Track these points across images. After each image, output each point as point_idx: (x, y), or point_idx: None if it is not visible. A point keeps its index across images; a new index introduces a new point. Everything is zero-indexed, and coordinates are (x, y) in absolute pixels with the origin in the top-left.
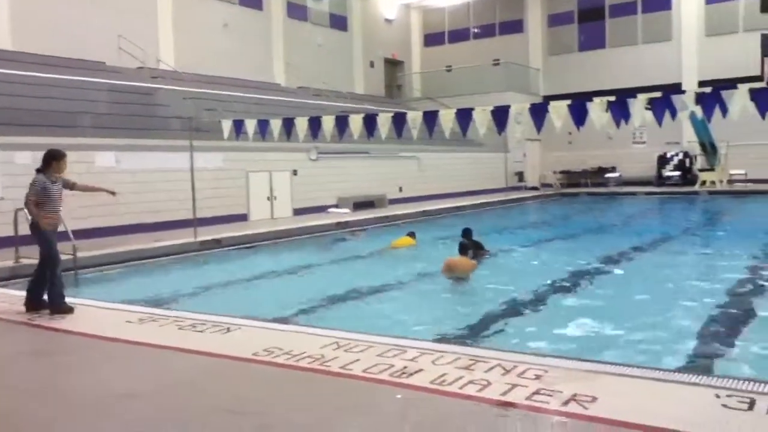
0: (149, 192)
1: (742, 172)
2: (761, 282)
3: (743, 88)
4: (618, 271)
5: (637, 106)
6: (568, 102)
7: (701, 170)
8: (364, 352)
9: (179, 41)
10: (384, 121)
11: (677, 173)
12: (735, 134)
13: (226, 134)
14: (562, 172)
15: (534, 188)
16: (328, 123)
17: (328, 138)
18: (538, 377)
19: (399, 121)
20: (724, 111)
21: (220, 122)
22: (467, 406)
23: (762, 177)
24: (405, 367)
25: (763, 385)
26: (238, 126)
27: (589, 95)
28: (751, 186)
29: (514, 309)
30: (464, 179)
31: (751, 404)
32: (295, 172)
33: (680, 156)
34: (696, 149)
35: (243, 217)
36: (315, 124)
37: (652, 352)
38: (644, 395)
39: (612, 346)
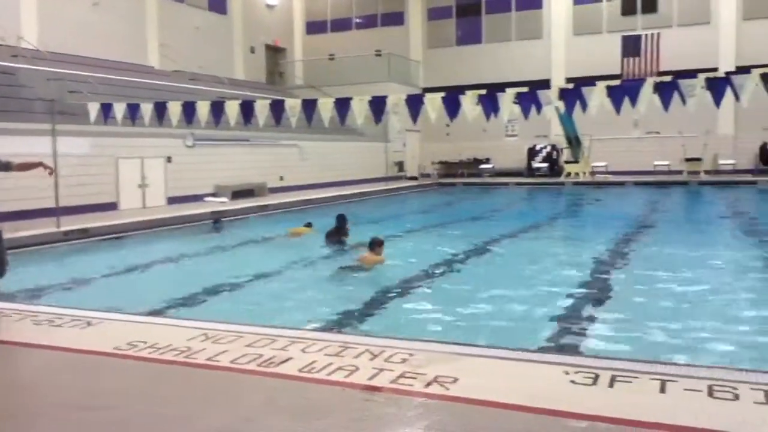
0: (8, 178)
1: (604, 164)
2: (613, 266)
3: (601, 85)
4: (489, 257)
5: (506, 100)
6: (442, 94)
7: (567, 162)
8: (232, 343)
9: (43, 18)
10: (262, 109)
11: (545, 165)
12: (598, 129)
13: (93, 118)
14: (440, 163)
15: (413, 178)
16: (203, 109)
17: (203, 124)
18: (404, 361)
19: (277, 108)
20: (584, 106)
21: (87, 105)
22: (334, 392)
23: (622, 169)
24: (273, 357)
25: (605, 360)
26: (107, 110)
27: (467, 88)
28: (611, 177)
29: (389, 295)
30: (345, 168)
31: (596, 379)
32: (169, 159)
33: (548, 149)
34: (562, 143)
35: (112, 206)
36: (190, 110)
37: (513, 334)
38: (502, 374)
39: (477, 329)
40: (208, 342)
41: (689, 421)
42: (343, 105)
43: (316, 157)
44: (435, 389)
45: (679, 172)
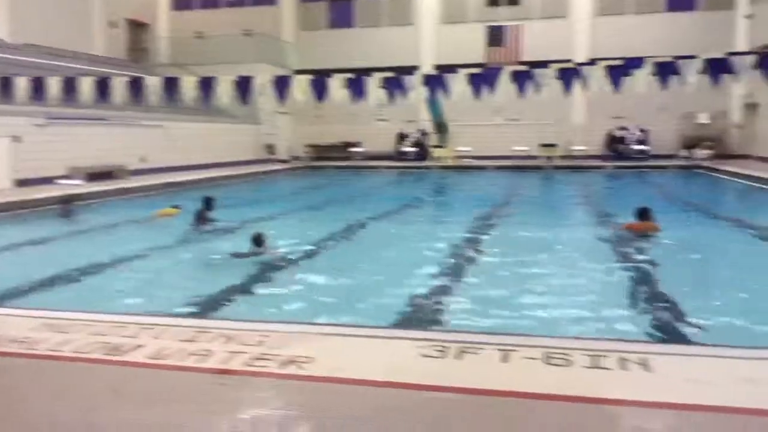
0: None
1: (468, 149)
2: (470, 246)
3: (462, 73)
4: (357, 239)
5: (372, 85)
6: (310, 77)
7: (434, 147)
8: (79, 332)
9: None
10: (120, 86)
11: (414, 149)
12: (463, 115)
13: None
14: (311, 146)
15: (284, 161)
16: (54, 85)
17: (56, 102)
18: (260, 343)
19: (137, 86)
20: (448, 92)
21: None
22: (184, 378)
23: (484, 154)
24: (122, 344)
25: (454, 334)
26: None
27: (338, 72)
28: (474, 162)
29: (251, 277)
30: (214, 150)
31: (445, 351)
32: (16, 139)
33: (416, 133)
34: (430, 127)
35: None
36: (39, 86)
37: (375, 312)
38: (357, 352)
39: (341, 309)
40: (51, 331)
41: (528, 387)
42: (207, 84)
43: (182, 139)
44: (291, 370)
45: (536, 158)
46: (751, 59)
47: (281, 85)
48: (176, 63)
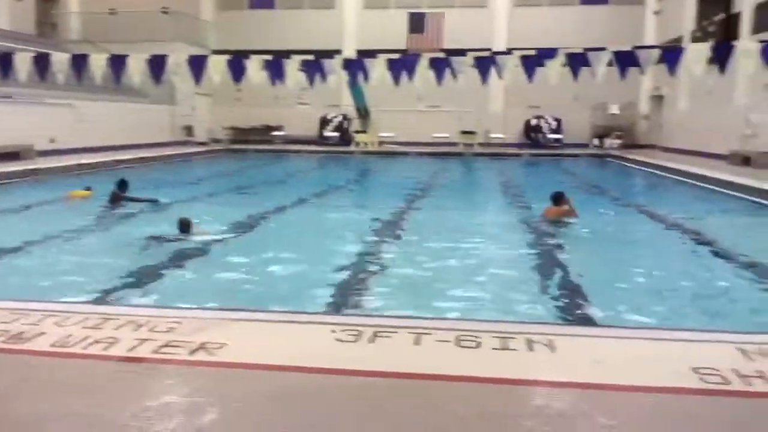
0: None
1: (391, 134)
2: (390, 230)
3: (382, 58)
4: (277, 224)
5: (291, 67)
6: (227, 57)
7: (356, 132)
8: None
9: None
10: (24, 62)
11: (336, 134)
12: (386, 101)
13: None
14: (231, 128)
15: (203, 143)
16: None
17: None
18: (170, 330)
19: (44, 63)
20: (367, 77)
21: None
22: (88, 366)
23: (407, 140)
24: (23, 332)
25: (369, 318)
26: None
27: (258, 53)
28: (397, 147)
29: (167, 262)
30: (128, 131)
31: (359, 335)
32: None
33: (339, 118)
34: (353, 113)
35: None
36: None
37: (293, 297)
38: (271, 337)
39: (259, 294)
40: None
41: (439, 369)
42: (118, 62)
43: (94, 119)
44: (201, 356)
45: (456, 144)
46: (655, 53)
47: (197, 65)
48: (88, 40)
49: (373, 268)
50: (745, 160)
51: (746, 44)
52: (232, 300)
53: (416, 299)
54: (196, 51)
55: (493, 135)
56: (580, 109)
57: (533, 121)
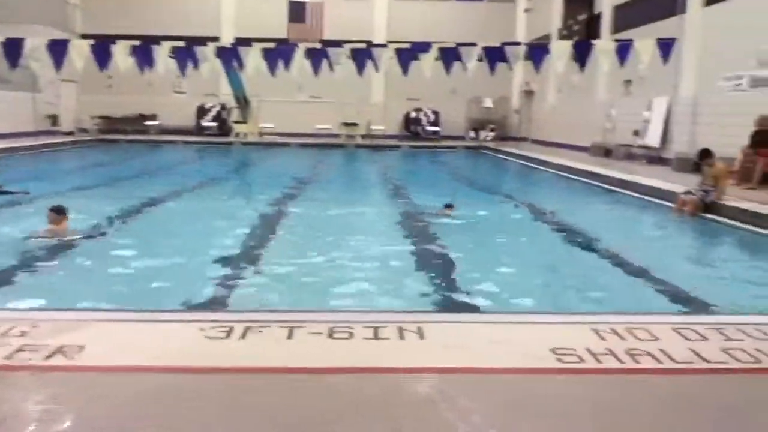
0: None
1: (271, 125)
2: (269, 224)
3: (257, 47)
4: (151, 217)
5: (161, 54)
6: (91, 42)
7: (235, 122)
8: None
9: None
10: None
11: (215, 124)
12: (267, 91)
13: None
14: (101, 118)
15: (69, 133)
16: None
17: None
18: (24, 334)
19: None
20: (242, 66)
21: None
22: None
23: (288, 131)
24: None
25: (240, 314)
26: None
27: (131, 38)
28: (278, 138)
29: (27, 260)
30: None
31: (230, 332)
32: None
33: (218, 108)
34: (231, 102)
35: None
36: None
37: (165, 295)
38: (135, 337)
39: (129, 292)
40: None
41: (311, 362)
42: None
43: None
44: (57, 360)
45: (338, 136)
46: (522, 50)
47: (57, 50)
48: None
49: (248, 262)
50: (606, 152)
51: (603, 43)
52: (98, 299)
53: (292, 293)
54: (60, 35)
55: (374, 127)
56: (457, 103)
57: (413, 114)
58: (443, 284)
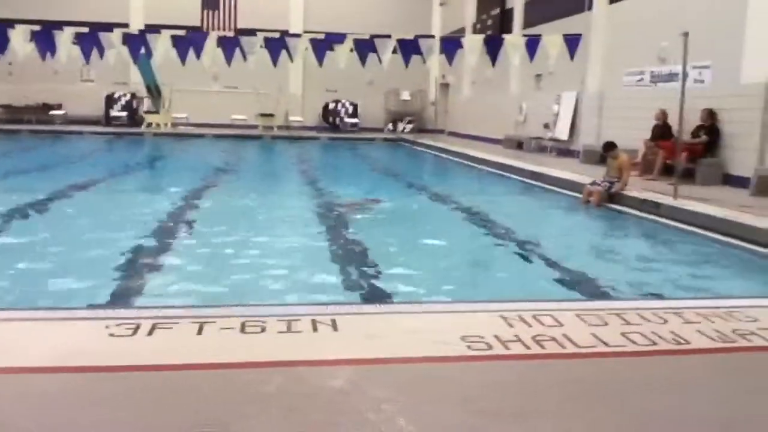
0: None
1: (185, 115)
2: (181, 218)
3: (166, 34)
4: (54, 212)
5: (64, 40)
6: None
7: (147, 112)
8: None
9: None
10: None
11: (124, 114)
12: (179, 80)
13: None
14: (1, 107)
15: None
16: None
17: None
18: None
19: None
20: (150, 54)
21: None
22: None
23: (202, 121)
24: None
25: (147, 310)
26: None
27: (27, 23)
28: (192, 129)
29: None
30: None
31: (136, 329)
32: None
33: (128, 97)
34: (143, 91)
35: None
36: None
37: (68, 293)
38: (34, 337)
39: (30, 290)
40: None
41: (223, 358)
42: None
43: None
44: None
45: (255, 126)
46: (436, 43)
47: None
48: None
49: (159, 256)
50: (518, 145)
51: (513, 38)
52: None
53: (203, 288)
54: None
55: (292, 118)
56: (375, 95)
57: (331, 105)
58: (357, 276)
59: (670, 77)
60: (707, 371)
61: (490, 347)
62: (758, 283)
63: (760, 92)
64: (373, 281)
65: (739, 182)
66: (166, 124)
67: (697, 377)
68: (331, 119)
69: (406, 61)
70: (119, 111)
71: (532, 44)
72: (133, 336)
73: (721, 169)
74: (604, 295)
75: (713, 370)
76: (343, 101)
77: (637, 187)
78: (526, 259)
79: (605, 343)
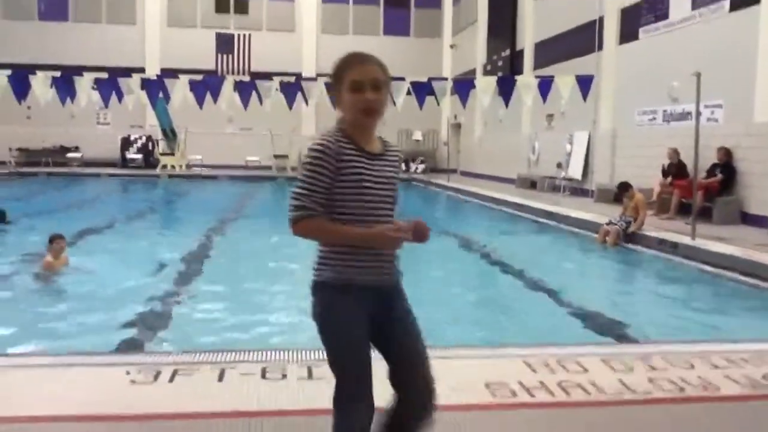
0: None
1: (199, 157)
2: (198, 260)
3: (184, 79)
4: (73, 253)
5: (83, 85)
6: (8, 72)
7: (162, 154)
8: None
9: None
10: None
11: (140, 156)
12: (194, 122)
13: None
14: (19, 150)
15: None
16: None
17: None
18: None
19: None
20: (167, 99)
21: None
22: None
23: (216, 163)
24: None
25: (168, 356)
26: None
27: (49, 69)
28: (206, 171)
29: None
30: None
31: (157, 375)
32: None
33: (143, 139)
34: (158, 134)
35: None
36: None
37: (88, 338)
38: (54, 384)
39: (46, 334)
40: None
41: (245, 406)
42: None
43: None
44: None
45: (269, 167)
46: (448, 84)
47: None
48: None
49: (175, 300)
50: (531, 184)
51: (525, 79)
52: (14, 343)
53: (223, 332)
54: None
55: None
56: (388, 135)
57: None
58: None
59: (683, 116)
60: (738, 419)
61: (514, 394)
62: None
63: None
64: None
65: (757, 221)
66: (180, 166)
67: (728, 426)
68: None
69: (420, 102)
70: (135, 153)
71: (545, 85)
72: (153, 383)
73: (739, 207)
74: (625, 337)
75: (744, 419)
76: None
77: (653, 227)
78: (544, 300)
79: (632, 390)
